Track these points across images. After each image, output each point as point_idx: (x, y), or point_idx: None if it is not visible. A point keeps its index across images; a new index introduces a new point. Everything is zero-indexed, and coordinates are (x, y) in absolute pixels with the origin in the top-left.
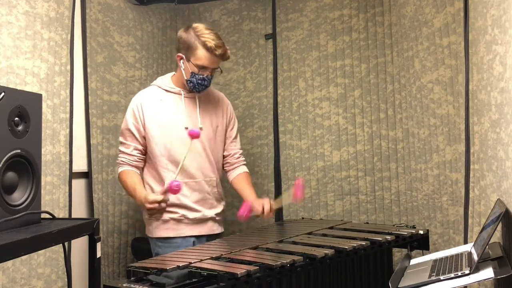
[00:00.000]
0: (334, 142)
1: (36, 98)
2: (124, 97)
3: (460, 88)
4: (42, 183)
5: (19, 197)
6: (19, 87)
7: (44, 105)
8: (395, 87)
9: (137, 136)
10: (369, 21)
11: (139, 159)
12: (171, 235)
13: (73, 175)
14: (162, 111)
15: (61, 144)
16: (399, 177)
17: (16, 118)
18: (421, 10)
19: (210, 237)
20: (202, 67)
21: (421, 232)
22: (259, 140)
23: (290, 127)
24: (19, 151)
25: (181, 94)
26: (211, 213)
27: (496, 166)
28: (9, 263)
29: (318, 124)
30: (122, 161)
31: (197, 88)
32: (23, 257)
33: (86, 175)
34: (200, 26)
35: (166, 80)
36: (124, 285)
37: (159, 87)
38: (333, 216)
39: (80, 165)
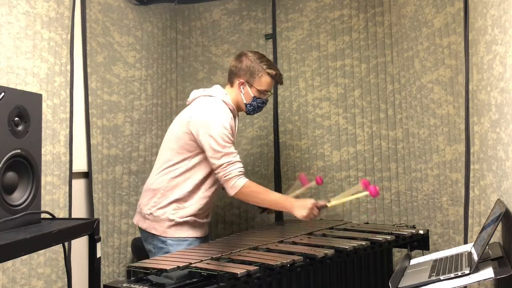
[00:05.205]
0: (334, 142)
1: (36, 98)
2: (124, 97)
3: (460, 88)
4: (42, 183)
5: (19, 197)
6: (19, 87)
7: (44, 105)
8: (395, 87)
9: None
10: (369, 21)
11: None
12: (183, 235)
13: (73, 175)
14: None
15: (61, 144)
16: (399, 177)
17: (16, 118)
18: (421, 10)
19: (205, 239)
20: (264, 92)
21: (421, 232)
22: (259, 140)
23: (290, 127)
24: (19, 151)
25: (236, 116)
26: (208, 218)
27: (496, 166)
28: (9, 263)
29: (318, 124)
30: (240, 172)
31: (256, 111)
32: (23, 257)
33: (86, 175)
34: (252, 54)
35: (229, 99)
36: (124, 285)
37: (226, 103)
38: (333, 216)
39: (80, 165)
